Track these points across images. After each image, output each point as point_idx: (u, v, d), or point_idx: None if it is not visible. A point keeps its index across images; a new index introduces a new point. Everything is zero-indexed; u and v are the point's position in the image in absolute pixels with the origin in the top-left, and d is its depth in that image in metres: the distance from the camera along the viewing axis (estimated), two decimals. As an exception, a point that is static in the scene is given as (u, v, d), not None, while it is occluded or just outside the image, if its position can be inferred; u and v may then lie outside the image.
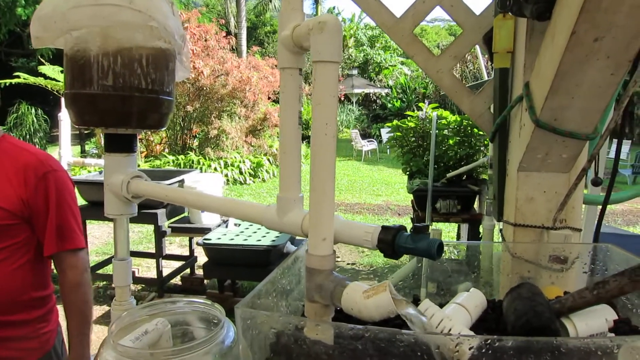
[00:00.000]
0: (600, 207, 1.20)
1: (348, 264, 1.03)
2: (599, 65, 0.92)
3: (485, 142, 3.80)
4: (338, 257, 0.94)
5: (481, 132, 3.82)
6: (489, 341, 0.48)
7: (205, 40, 10.84)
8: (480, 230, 3.57)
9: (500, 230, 3.78)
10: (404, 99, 21.41)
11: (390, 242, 0.68)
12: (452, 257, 1.06)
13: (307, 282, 0.70)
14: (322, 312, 0.71)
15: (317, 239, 0.70)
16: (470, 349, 0.49)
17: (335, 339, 0.60)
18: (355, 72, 24.98)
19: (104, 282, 4.76)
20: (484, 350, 0.49)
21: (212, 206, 0.99)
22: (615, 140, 1.22)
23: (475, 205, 3.72)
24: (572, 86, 0.97)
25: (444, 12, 1.39)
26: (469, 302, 0.76)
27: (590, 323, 0.70)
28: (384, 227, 0.70)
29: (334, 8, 31.65)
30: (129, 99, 1.08)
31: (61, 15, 1.05)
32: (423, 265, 1.08)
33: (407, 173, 3.99)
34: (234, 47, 13.15)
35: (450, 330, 0.64)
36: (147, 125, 1.15)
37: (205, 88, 10.84)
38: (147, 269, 5.27)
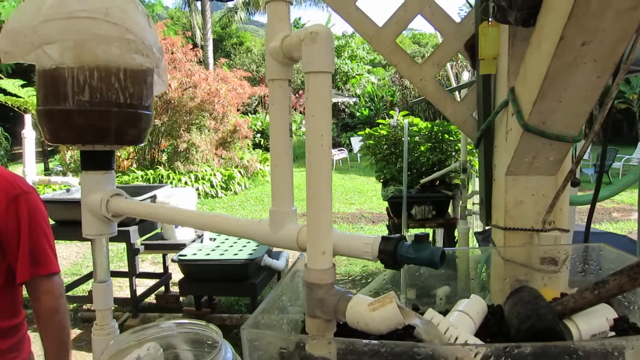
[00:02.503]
0: (588, 206, 1.23)
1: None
2: (586, 69, 0.94)
3: (457, 147, 3.87)
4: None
5: (452, 138, 3.89)
6: (507, 349, 0.48)
7: (172, 53, 10.71)
8: (456, 234, 3.62)
9: (475, 233, 3.80)
10: (372, 107, 21.63)
11: (391, 252, 0.66)
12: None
13: (307, 297, 0.68)
14: (324, 327, 0.69)
15: (317, 253, 0.68)
16: (489, 358, 0.48)
17: (347, 355, 0.58)
18: (322, 81, 25.06)
19: (74, 305, 4.58)
20: (503, 358, 0.48)
21: (199, 223, 0.96)
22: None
23: (450, 210, 3.77)
24: (560, 90, 0.99)
25: (425, 20, 1.40)
26: (471, 308, 0.75)
27: (592, 323, 0.70)
28: (384, 238, 0.68)
29: (299, 19, 31.72)
30: (107, 114, 1.04)
31: (32, 29, 1.01)
32: (402, 271, 1.08)
33: (381, 180, 4.01)
34: (201, 60, 13.04)
35: (457, 338, 0.63)
36: (125, 140, 1.11)
37: (173, 101, 10.69)
38: (119, 288, 5.11)
